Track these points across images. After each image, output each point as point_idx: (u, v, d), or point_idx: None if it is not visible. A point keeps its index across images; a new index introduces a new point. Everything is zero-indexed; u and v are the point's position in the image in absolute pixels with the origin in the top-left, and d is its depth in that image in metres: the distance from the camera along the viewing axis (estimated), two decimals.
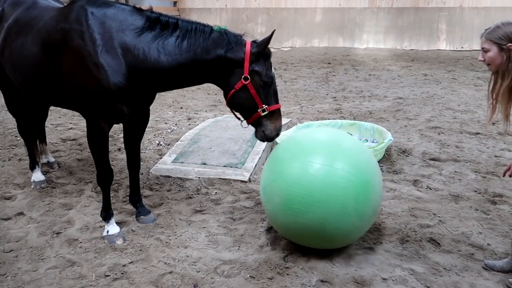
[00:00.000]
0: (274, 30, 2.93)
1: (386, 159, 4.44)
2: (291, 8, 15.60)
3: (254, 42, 2.71)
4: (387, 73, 10.03)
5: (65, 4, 3.07)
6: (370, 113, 6.39)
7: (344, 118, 6.00)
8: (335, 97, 7.70)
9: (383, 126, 5.10)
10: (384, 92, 8.00)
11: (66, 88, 2.84)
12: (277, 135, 2.85)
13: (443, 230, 3.04)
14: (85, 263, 2.72)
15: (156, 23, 2.68)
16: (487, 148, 4.74)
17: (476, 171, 4.10)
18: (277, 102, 2.82)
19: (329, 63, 11.72)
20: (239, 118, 2.92)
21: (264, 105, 2.72)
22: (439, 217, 3.23)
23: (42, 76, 2.93)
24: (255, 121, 2.80)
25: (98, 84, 2.64)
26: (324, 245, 2.70)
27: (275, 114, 2.79)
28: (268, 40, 2.67)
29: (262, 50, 2.66)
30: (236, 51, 2.65)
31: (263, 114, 2.73)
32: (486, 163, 4.29)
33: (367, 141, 4.76)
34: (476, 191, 3.69)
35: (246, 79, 2.66)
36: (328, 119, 5.95)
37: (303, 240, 2.70)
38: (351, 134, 4.97)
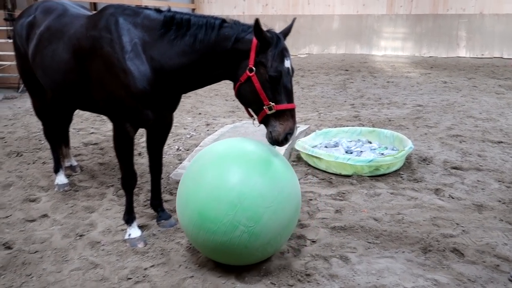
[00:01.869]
0: (295, 18, 2.72)
1: (407, 167, 4.39)
2: (308, 15, 15.63)
3: (267, 31, 2.48)
4: (405, 80, 9.94)
5: (94, 12, 3.13)
6: (389, 120, 6.34)
7: (363, 125, 5.97)
8: (353, 104, 7.66)
9: (403, 134, 5.06)
10: (403, 99, 7.93)
11: (94, 93, 2.91)
12: (286, 139, 2.50)
13: (466, 241, 2.98)
14: (107, 265, 2.76)
15: (172, 22, 2.67)
16: (511, 157, 4.65)
17: (499, 181, 4.02)
18: (289, 101, 2.49)
19: (347, 70, 11.68)
20: (251, 116, 2.69)
21: (271, 102, 2.45)
22: (463, 227, 3.18)
23: (72, 81, 3.01)
24: (263, 120, 2.54)
25: (125, 89, 2.70)
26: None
27: (285, 115, 2.48)
28: (286, 30, 2.56)
29: (270, 39, 2.42)
30: (245, 41, 2.50)
31: (269, 112, 2.46)
32: (510, 173, 4.20)
33: (386, 148, 4.72)
34: (500, 201, 3.62)
35: (251, 71, 2.46)
36: (347, 126, 5.93)
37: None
38: (370, 142, 4.96)
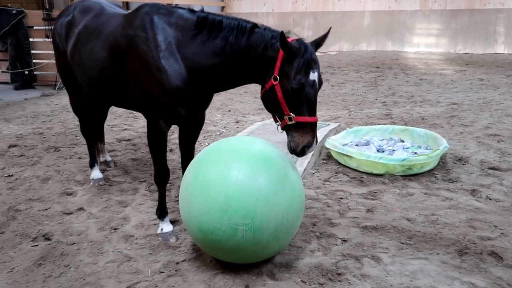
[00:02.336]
0: (330, 28, 2.67)
1: (441, 167, 4.27)
2: (339, 12, 15.44)
3: (297, 40, 2.47)
4: (439, 78, 9.67)
5: (130, 11, 3.20)
6: (422, 119, 6.18)
7: (395, 124, 5.84)
8: (384, 102, 7.52)
9: (437, 133, 4.92)
10: (437, 97, 7.72)
11: (129, 90, 2.98)
12: (303, 152, 2.48)
13: (505, 244, 2.87)
14: (141, 258, 2.82)
15: (204, 24, 2.69)
16: None
17: None
18: (310, 114, 2.45)
19: (378, 67, 11.46)
20: (276, 121, 2.65)
21: (291, 113, 2.45)
22: (501, 229, 3.06)
23: (109, 79, 3.09)
24: (285, 128, 2.55)
25: (159, 87, 2.75)
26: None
27: (305, 128, 2.45)
28: (319, 39, 2.51)
29: (297, 50, 2.38)
30: (273, 49, 2.49)
31: (289, 122, 2.47)
32: None
33: (420, 147, 4.61)
34: None
35: (276, 79, 2.46)
36: (378, 124, 5.82)
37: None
38: (402, 141, 4.86)
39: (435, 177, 4.04)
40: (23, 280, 2.58)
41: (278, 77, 2.46)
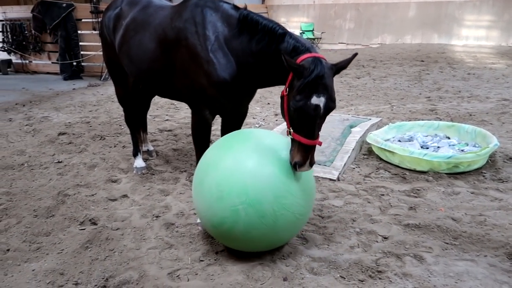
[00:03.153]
0: (356, 53, 2.48)
1: (490, 165, 4.07)
2: (382, 3, 14.98)
3: (314, 58, 2.31)
4: (489, 72, 9.20)
5: (178, 3, 3.26)
6: (470, 115, 5.91)
7: (440, 120, 5.62)
8: (429, 97, 7.25)
9: (486, 130, 4.69)
10: (486, 92, 7.35)
11: (176, 81, 3.05)
12: (295, 167, 2.40)
13: None
14: (181, 246, 2.89)
15: (245, 23, 2.72)
16: None
17: None
18: (307, 136, 2.33)
19: (422, 61, 11.06)
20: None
21: (290, 128, 2.40)
22: None
23: (157, 69, 3.17)
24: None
25: (207, 79, 2.81)
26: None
27: (300, 146, 2.36)
28: (343, 63, 2.33)
29: (303, 71, 2.25)
30: (292, 60, 2.35)
31: (289, 135, 2.44)
32: None
33: (467, 145, 4.41)
34: None
35: (286, 90, 2.41)
36: (422, 119, 5.62)
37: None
38: (448, 138, 4.67)
39: (484, 176, 3.86)
40: (72, 262, 2.71)
41: (288, 88, 2.40)
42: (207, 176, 2.56)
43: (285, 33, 2.58)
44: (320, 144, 2.42)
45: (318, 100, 2.26)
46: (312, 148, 2.39)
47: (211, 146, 2.77)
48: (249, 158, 2.47)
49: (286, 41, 2.54)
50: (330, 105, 2.31)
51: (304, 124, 2.33)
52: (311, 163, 2.40)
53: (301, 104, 2.26)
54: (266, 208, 2.38)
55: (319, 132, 2.41)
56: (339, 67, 2.37)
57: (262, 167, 2.43)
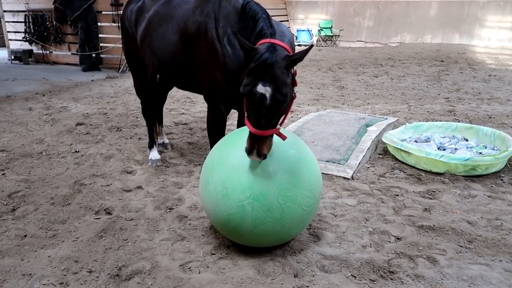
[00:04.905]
0: (312, 45, 2.42)
1: (509, 169, 3.99)
2: (403, 1, 14.76)
3: (270, 45, 2.27)
4: (511, 74, 8.99)
5: None
6: (490, 117, 5.80)
7: (458, 121, 5.53)
8: (447, 98, 7.14)
9: (506, 133, 4.59)
10: (507, 95, 7.20)
11: (196, 74, 3.08)
12: (246, 152, 2.34)
13: None
14: (193, 239, 2.91)
15: (244, 12, 2.73)
16: None
17: None
18: (254, 125, 2.26)
19: (442, 61, 10.88)
20: None
21: (245, 112, 2.37)
22: None
23: (179, 62, 3.21)
24: None
25: (221, 72, 2.83)
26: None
27: (249, 133, 2.31)
28: (298, 54, 2.24)
29: (253, 55, 2.24)
30: (246, 42, 2.36)
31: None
32: None
33: (485, 147, 4.33)
34: None
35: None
36: (440, 120, 5.54)
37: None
38: (466, 140, 4.59)
39: (502, 180, 3.79)
40: (86, 250, 2.76)
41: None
42: (211, 174, 2.59)
43: (260, 17, 2.57)
44: (267, 134, 2.28)
45: (264, 89, 2.17)
46: (261, 138, 2.26)
47: (216, 145, 2.78)
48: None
49: (259, 24, 2.54)
50: (277, 97, 2.18)
51: (251, 111, 2.27)
52: (259, 154, 2.28)
53: (247, 90, 2.20)
54: (271, 201, 2.40)
55: (276, 124, 2.33)
56: (295, 59, 2.24)
57: (265, 161, 2.43)
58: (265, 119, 2.25)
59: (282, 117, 2.41)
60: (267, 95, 2.18)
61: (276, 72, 2.18)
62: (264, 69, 2.17)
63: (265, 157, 2.31)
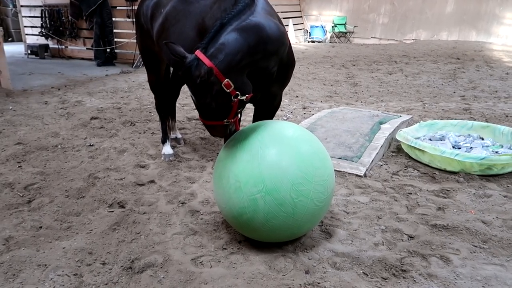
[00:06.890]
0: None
1: None
2: None
3: (194, 57, 2.51)
4: None
5: None
6: (506, 116, 5.69)
7: (474, 120, 5.45)
8: (463, 96, 7.03)
9: None
10: None
11: None
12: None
13: None
14: (205, 234, 2.93)
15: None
16: None
17: None
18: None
19: (458, 59, 10.71)
20: None
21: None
22: None
23: None
24: None
25: None
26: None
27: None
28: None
29: (180, 60, 2.52)
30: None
31: None
32: None
33: (502, 146, 4.26)
34: None
35: None
36: (455, 119, 5.46)
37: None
38: (482, 138, 4.52)
39: None
40: (100, 242, 2.79)
41: None
42: (224, 169, 2.60)
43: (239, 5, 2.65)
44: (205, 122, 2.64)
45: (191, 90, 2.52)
46: (204, 125, 2.68)
47: (229, 139, 2.79)
48: (264, 148, 2.48)
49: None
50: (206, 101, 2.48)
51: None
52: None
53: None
54: (283, 195, 2.39)
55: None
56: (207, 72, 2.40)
57: (278, 156, 2.45)
58: (198, 110, 2.63)
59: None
60: (192, 94, 2.58)
61: (194, 81, 2.45)
62: (185, 74, 2.50)
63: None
